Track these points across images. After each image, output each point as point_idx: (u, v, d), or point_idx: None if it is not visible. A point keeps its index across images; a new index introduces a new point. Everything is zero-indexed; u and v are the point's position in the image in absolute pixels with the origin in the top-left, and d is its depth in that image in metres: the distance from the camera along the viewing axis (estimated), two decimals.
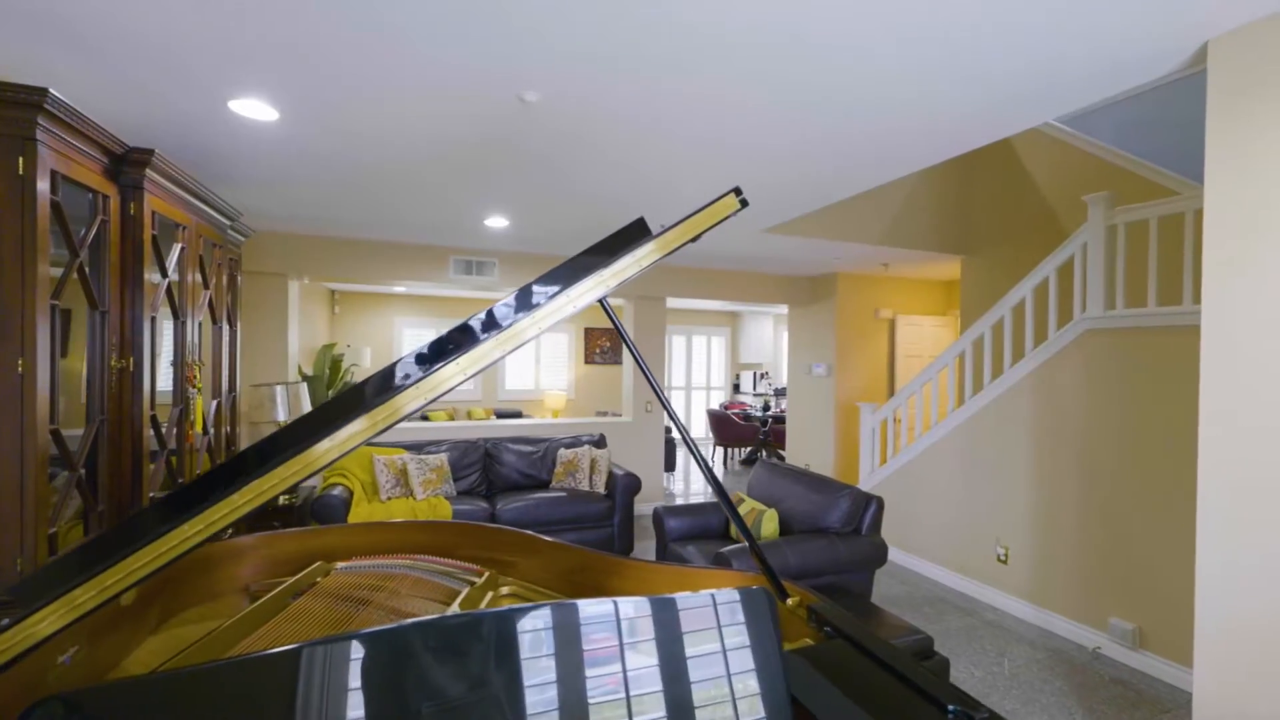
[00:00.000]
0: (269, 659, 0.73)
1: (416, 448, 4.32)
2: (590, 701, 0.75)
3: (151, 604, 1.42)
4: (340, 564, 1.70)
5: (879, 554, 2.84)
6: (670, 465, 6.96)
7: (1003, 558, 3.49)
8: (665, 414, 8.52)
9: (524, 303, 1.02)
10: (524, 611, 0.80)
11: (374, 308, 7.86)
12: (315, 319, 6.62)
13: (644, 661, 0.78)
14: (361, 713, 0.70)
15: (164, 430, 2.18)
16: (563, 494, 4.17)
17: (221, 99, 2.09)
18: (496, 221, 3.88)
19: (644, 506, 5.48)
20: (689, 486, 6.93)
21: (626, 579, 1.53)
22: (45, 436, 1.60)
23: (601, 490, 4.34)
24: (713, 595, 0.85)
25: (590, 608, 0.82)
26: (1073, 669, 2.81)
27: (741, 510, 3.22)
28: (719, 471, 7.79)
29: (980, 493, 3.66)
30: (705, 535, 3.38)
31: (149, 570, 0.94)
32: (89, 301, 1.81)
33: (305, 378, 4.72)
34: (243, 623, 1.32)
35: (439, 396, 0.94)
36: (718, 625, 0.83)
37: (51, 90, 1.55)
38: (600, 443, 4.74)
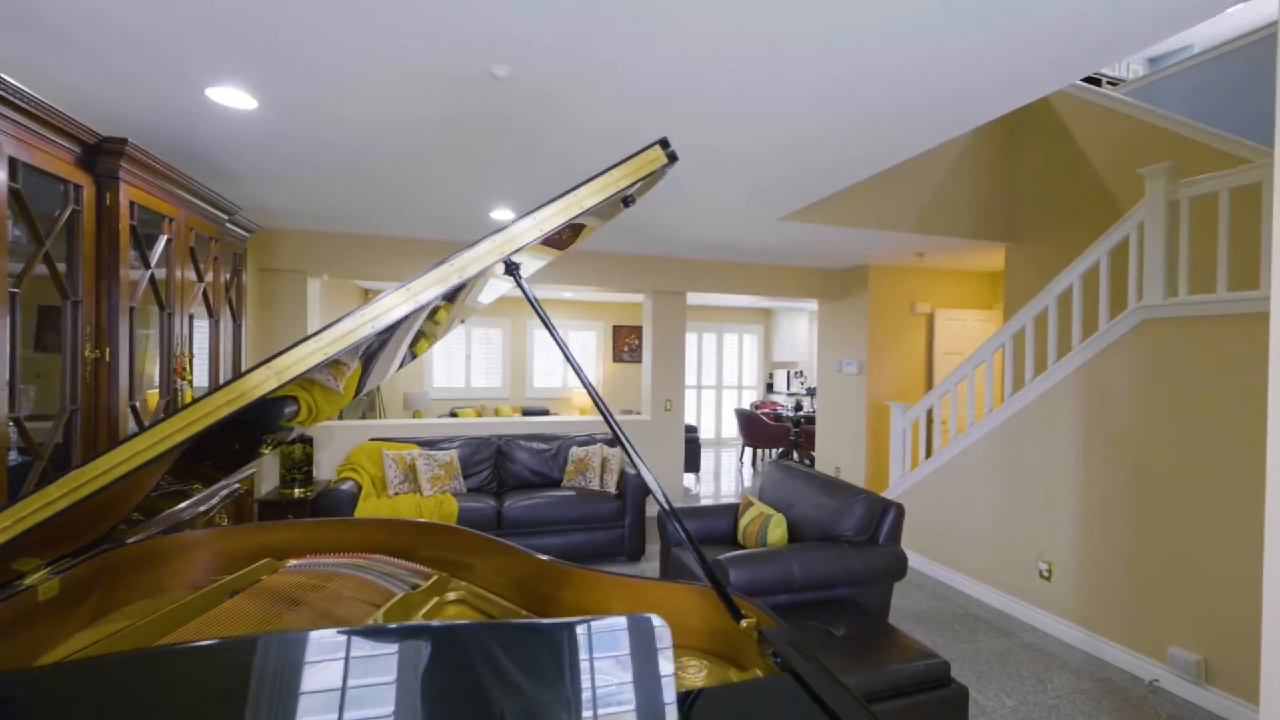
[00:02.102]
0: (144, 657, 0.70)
1: (429, 443, 4.31)
2: None
3: (85, 597, 1.37)
4: (291, 561, 1.63)
5: (897, 566, 2.58)
6: (694, 466, 6.76)
7: (1045, 574, 3.15)
8: (690, 411, 8.22)
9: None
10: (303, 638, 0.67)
11: None
12: None
13: (486, 699, 0.64)
14: None
15: (146, 421, 2.18)
16: (572, 493, 4.06)
17: (198, 87, 2.07)
18: (503, 214, 3.80)
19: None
20: (719, 488, 6.72)
21: (576, 589, 1.39)
22: (3, 426, 1.59)
23: (612, 490, 4.21)
24: (587, 623, 0.69)
25: (442, 633, 0.69)
26: (1124, 703, 2.48)
27: (750, 514, 3.02)
28: (748, 473, 7.53)
29: (1021, 501, 3.33)
30: (713, 539, 3.20)
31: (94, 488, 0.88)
32: (59, 291, 1.81)
33: None
34: (161, 621, 1.25)
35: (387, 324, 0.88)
36: (584, 658, 0.68)
37: (6, 77, 1.53)
38: (613, 442, 4.60)
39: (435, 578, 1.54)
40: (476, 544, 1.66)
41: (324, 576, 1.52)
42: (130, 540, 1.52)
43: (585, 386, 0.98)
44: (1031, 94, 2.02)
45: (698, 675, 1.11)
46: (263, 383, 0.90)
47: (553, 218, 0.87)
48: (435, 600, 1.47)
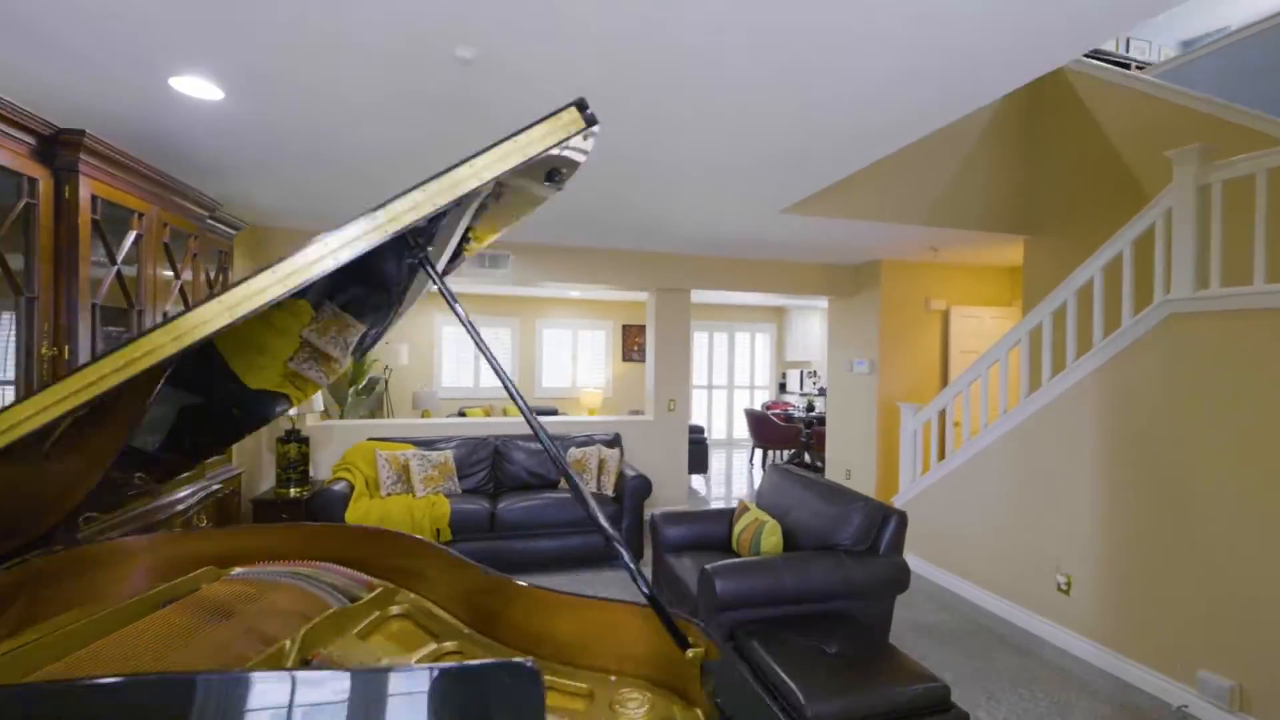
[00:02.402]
0: None
1: (427, 444, 4.24)
2: None
3: (6, 607, 1.30)
4: (236, 569, 1.55)
5: (899, 577, 2.42)
6: (701, 467, 6.61)
7: (1064, 587, 2.94)
8: (700, 411, 8.05)
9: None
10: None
11: (413, 307, 7.98)
12: None
13: None
14: None
15: None
16: (568, 495, 3.95)
17: (161, 77, 2.00)
18: None
19: (658, 510, 5.18)
20: (729, 490, 6.55)
21: (523, 607, 1.28)
22: None
23: (610, 492, 4.09)
24: (458, 669, 0.58)
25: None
26: None
27: (744, 521, 2.88)
28: (758, 474, 7.35)
29: (1037, 508, 3.12)
30: (706, 545, 3.06)
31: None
32: (11, 288, 1.76)
33: None
34: (79, 632, 1.18)
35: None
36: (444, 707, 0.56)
37: None
38: (613, 442, 4.49)
39: (380, 589, 1.44)
40: (429, 555, 1.56)
41: (264, 587, 1.43)
42: (105, 538, 1.46)
43: (496, 373, 0.86)
44: (1049, 63, 1.83)
45: (638, 711, 0.98)
46: (213, 318, 0.79)
47: (441, 194, 0.75)
48: (376, 614, 1.38)
